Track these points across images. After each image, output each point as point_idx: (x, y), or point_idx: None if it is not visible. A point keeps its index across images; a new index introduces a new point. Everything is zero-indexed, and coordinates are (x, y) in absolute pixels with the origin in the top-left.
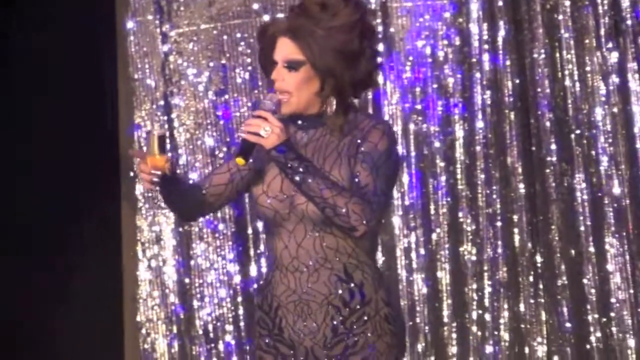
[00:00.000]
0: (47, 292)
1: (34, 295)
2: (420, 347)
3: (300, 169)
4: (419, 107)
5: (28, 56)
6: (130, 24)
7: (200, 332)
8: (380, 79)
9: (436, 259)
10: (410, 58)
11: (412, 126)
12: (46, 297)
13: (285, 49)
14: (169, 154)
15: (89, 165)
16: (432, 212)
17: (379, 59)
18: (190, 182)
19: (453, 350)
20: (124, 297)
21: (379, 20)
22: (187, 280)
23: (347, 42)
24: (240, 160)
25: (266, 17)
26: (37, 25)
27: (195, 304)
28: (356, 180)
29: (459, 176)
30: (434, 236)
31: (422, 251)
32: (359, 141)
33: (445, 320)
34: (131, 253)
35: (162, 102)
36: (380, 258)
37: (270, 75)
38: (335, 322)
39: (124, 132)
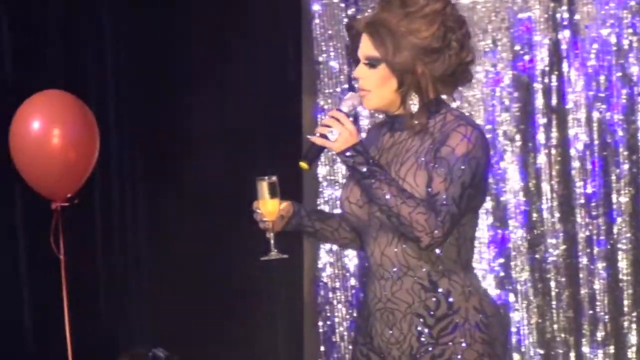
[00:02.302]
0: (230, 275)
1: (218, 273)
2: (600, 336)
3: (367, 175)
4: (602, 95)
5: (211, 37)
6: (316, 7)
7: None
8: (564, 66)
9: (617, 248)
10: (595, 46)
11: (595, 114)
12: (229, 280)
13: (365, 45)
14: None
15: (271, 147)
16: (614, 200)
17: (469, 53)
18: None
19: (633, 340)
20: (304, 280)
21: (564, 7)
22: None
23: (427, 37)
24: (303, 165)
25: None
26: (220, 6)
27: None
28: (429, 188)
29: None
30: (615, 225)
31: (603, 240)
32: (438, 145)
33: (625, 309)
34: None
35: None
36: (561, 247)
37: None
38: (420, 331)
39: (307, 114)
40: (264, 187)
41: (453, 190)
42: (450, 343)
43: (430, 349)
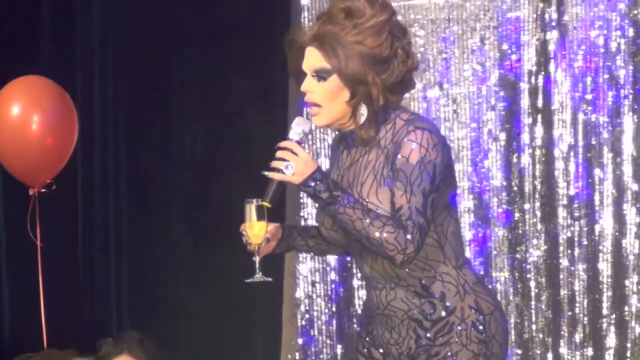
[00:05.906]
0: (211, 265)
1: (199, 262)
2: (578, 337)
3: (329, 202)
4: (589, 97)
5: (201, 28)
6: (304, 0)
7: (359, 311)
8: (551, 66)
9: (598, 250)
10: (583, 47)
11: (581, 116)
12: (210, 269)
13: (312, 58)
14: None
15: (261, 134)
16: (597, 203)
17: (414, 60)
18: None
19: (611, 342)
20: (285, 272)
21: (553, 8)
22: (347, 259)
23: (376, 46)
24: (266, 204)
25: None
26: None
27: (356, 283)
28: (393, 202)
29: (625, 168)
30: (597, 227)
31: (584, 242)
32: (392, 157)
33: (605, 312)
34: None
35: None
36: (542, 247)
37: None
38: (418, 334)
39: (293, 105)
40: (251, 210)
41: (415, 200)
42: (446, 343)
43: (427, 349)
